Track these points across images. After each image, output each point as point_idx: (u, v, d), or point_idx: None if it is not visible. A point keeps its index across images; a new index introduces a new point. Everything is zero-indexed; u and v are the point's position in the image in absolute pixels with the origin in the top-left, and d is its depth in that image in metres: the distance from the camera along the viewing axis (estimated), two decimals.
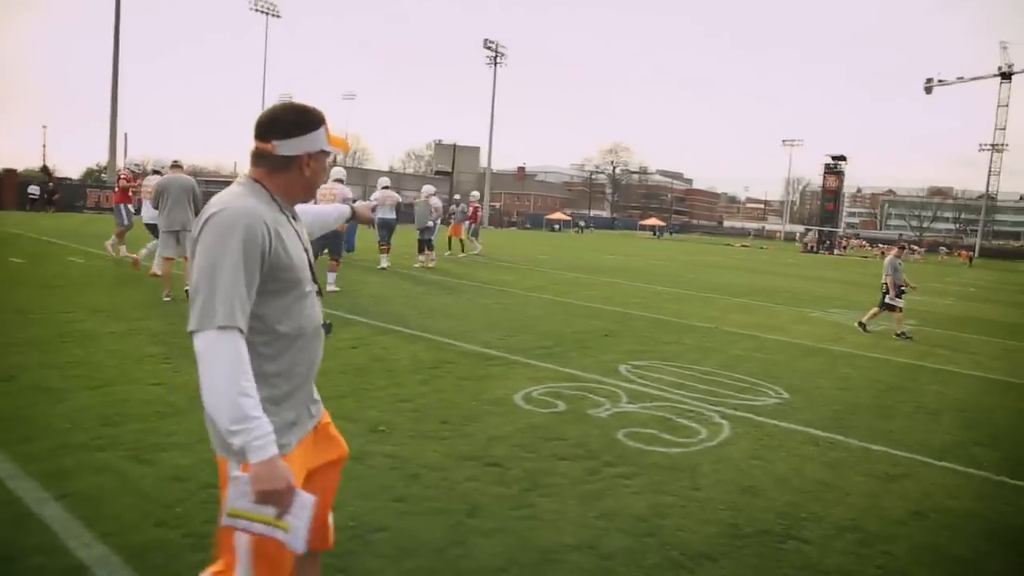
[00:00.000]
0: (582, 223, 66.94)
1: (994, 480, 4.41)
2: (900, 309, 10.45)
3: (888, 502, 3.88)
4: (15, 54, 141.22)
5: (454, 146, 73.55)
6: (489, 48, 55.98)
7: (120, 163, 19.74)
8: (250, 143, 1.80)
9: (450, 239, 19.42)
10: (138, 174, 12.03)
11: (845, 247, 62.10)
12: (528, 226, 62.01)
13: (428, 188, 15.89)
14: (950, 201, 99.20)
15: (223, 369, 1.51)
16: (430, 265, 15.12)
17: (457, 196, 35.14)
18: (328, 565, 2.52)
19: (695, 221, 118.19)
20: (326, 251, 10.25)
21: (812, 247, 56.61)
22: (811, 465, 4.37)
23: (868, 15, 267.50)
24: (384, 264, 13.89)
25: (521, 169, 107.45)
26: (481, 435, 4.40)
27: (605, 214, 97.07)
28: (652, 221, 77.87)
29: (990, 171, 75.31)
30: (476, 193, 16.56)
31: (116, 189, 12.50)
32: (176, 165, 9.33)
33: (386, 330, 7.60)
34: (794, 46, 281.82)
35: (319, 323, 1.87)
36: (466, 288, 12.13)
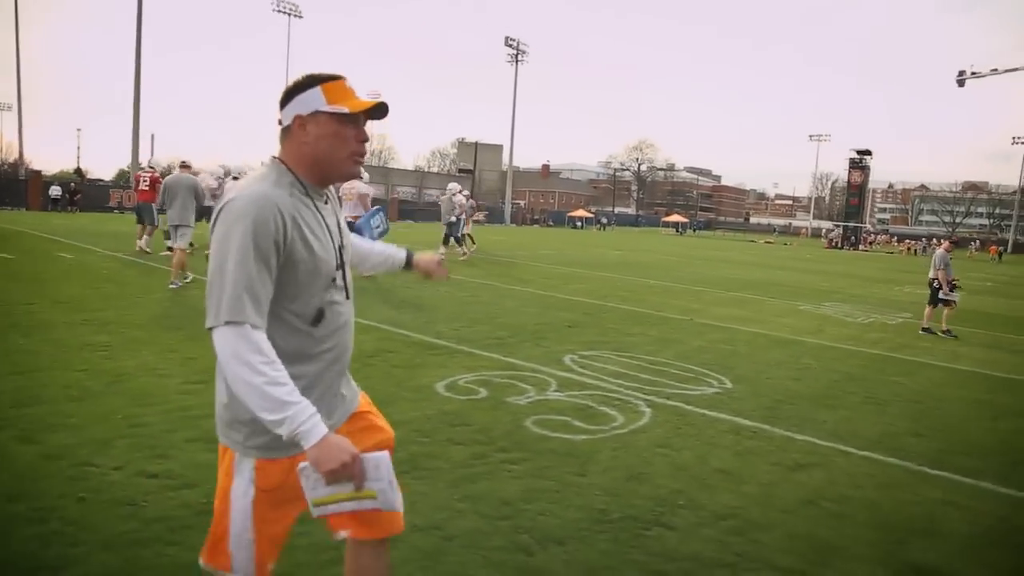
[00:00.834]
0: (604, 220, 66.50)
1: (912, 470, 4.26)
2: (954, 304, 10.20)
3: (783, 491, 3.77)
4: (51, 57, 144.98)
5: (476, 144, 73.79)
6: (510, 46, 55.94)
7: (144, 163, 20.29)
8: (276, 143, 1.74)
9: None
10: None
11: (871, 243, 60.83)
12: (551, 223, 61.73)
13: (454, 186, 16.79)
14: (983, 196, 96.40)
15: (240, 364, 1.48)
16: (461, 259, 16.26)
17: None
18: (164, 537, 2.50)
19: (722, 218, 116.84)
20: None
21: (837, 243, 55.58)
22: (719, 454, 4.26)
23: (901, 7, 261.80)
24: None
25: (546, 167, 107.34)
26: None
27: (631, 211, 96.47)
28: (674, 218, 76.91)
29: None
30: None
31: (135, 189, 13.06)
32: (184, 165, 10.33)
33: None
34: (825, 40, 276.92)
35: (348, 318, 1.78)
36: (451, 282, 12.11)
